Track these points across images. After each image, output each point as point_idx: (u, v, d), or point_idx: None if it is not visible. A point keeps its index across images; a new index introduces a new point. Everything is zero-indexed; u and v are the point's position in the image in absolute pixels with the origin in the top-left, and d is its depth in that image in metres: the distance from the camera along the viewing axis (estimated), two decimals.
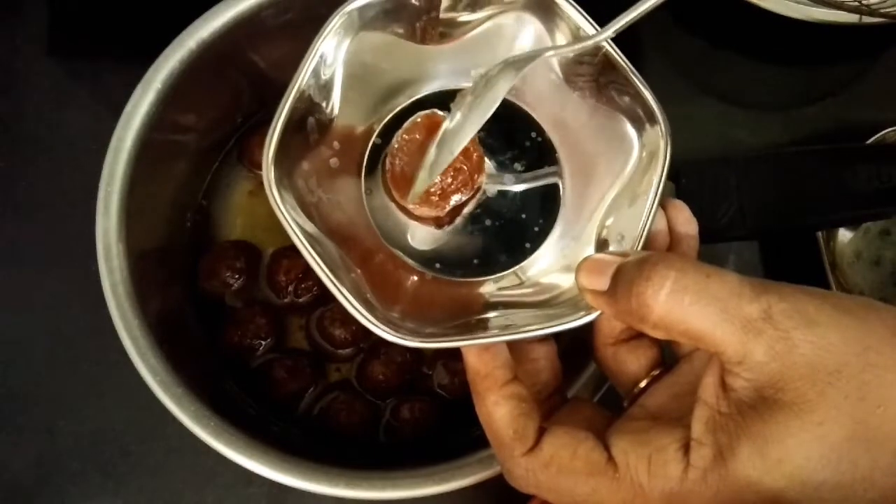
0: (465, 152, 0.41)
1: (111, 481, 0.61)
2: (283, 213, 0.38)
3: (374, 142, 0.44)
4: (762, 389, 0.30)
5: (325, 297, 0.58)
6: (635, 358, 0.40)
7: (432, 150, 0.40)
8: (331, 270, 0.37)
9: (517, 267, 0.43)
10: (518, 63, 0.38)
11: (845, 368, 0.29)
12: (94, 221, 0.49)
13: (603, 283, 0.34)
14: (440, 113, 0.42)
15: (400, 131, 0.42)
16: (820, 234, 0.63)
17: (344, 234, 0.42)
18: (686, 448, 0.32)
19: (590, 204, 0.43)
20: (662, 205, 0.41)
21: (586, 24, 0.41)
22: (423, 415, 0.57)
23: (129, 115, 0.51)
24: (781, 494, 0.30)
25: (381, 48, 0.43)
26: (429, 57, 0.44)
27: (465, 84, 0.44)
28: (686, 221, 0.42)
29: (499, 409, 0.36)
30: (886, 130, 0.63)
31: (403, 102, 0.44)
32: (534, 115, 0.44)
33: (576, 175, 0.44)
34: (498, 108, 0.39)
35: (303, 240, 0.38)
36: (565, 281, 0.42)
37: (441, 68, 0.45)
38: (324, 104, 0.42)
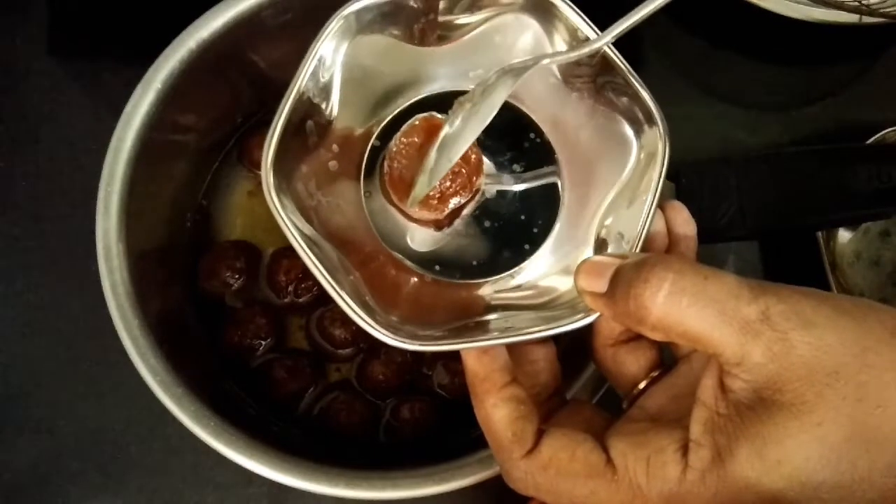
0: (464, 155, 0.41)
1: (111, 481, 0.61)
2: (281, 217, 0.38)
3: (372, 144, 0.44)
4: (760, 391, 0.30)
5: (325, 297, 0.57)
6: (634, 359, 0.40)
7: (432, 155, 0.40)
8: (329, 273, 0.37)
9: (516, 268, 0.43)
10: (516, 70, 0.38)
11: (843, 369, 0.30)
12: (94, 221, 0.49)
13: (601, 286, 0.34)
14: (438, 116, 0.42)
15: (398, 134, 0.42)
16: (820, 234, 0.62)
17: (343, 237, 0.42)
18: (685, 449, 0.32)
19: (589, 205, 0.43)
20: (661, 206, 0.42)
21: (584, 26, 0.41)
22: (423, 415, 0.57)
23: (129, 115, 0.50)
24: (780, 495, 0.30)
25: (379, 51, 0.43)
26: (427, 59, 0.44)
27: (464, 86, 0.44)
28: (684, 222, 0.42)
29: (497, 412, 0.36)
30: (886, 130, 0.63)
31: (402, 105, 0.44)
32: (532, 116, 0.44)
33: (575, 176, 0.44)
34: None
35: (301, 243, 0.38)
36: (564, 283, 0.42)
37: (439, 70, 0.45)
38: (323, 106, 0.42)
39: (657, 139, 0.41)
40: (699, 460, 0.31)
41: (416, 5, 0.41)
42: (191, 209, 0.61)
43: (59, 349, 0.63)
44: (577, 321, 0.38)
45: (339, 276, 0.38)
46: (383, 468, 0.49)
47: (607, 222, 0.42)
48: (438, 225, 0.43)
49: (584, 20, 0.41)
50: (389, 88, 0.44)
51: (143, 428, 0.62)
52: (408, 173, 0.41)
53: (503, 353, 0.38)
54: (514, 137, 0.44)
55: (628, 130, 0.43)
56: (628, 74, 0.41)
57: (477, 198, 0.43)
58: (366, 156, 0.43)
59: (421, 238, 0.43)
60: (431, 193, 0.41)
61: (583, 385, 0.50)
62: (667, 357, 0.41)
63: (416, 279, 0.43)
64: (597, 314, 0.37)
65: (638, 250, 0.39)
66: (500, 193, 0.44)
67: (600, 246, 0.42)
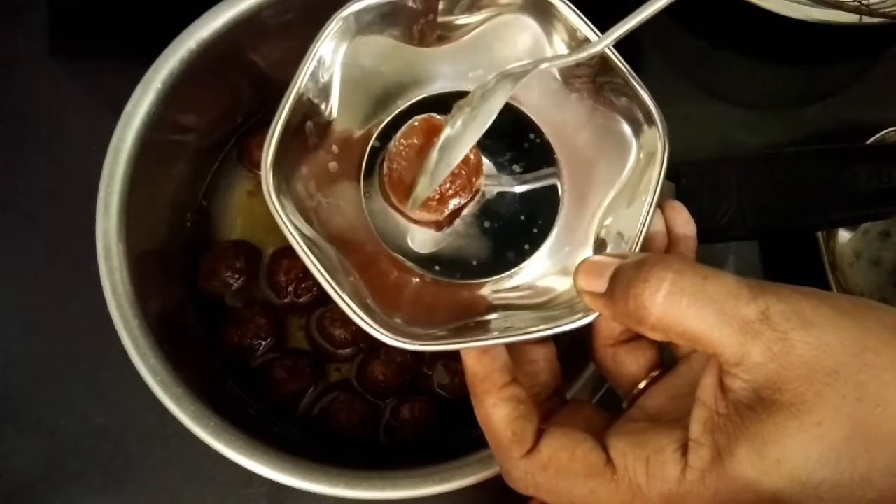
0: (463, 156, 0.41)
1: (111, 481, 0.61)
2: (281, 217, 0.38)
3: (372, 145, 0.44)
4: (760, 390, 0.30)
5: (325, 297, 0.57)
6: (634, 359, 0.40)
7: (433, 156, 0.40)
8: (329, 274, 0.38)
9: (516, 268, 0.43)
10: (515, 75, 0.38)
11: (843, 369, 0.30)
12: (94, 221, 0.49)
13: (601, 286, 0.34)
14: (437, 117, 0.42)
15: (398, 135, 0.42)
16: (820, 234, 0.63)
17: (343, 238, 0.42)
18: (684, 449, 0.32)
19: (588, 205, 0.43)
20: (660, 206, 0.42)
21: (584, 27, 0.41)
22: (423, 415, 0.57)
23: (129, 115, 0.51)
24: (780, 494, 0.30)
25: (379, 51, 0.43)
26: (427, 60, 0.44)
27: (464, 86, 0.44)
28: (684, 222, 0.43)
29: (497, 412, 0.36)
30: (886, 130, 0.63)
31: (402, 105, 0.44)
32: (532, 116, 0.44)
33: (574, 176, 0.44)
34: None
35: (301, 244, 0.38)
36: (563, 283, 0.42)
37: (439, 71, 0.44)
38: (322, 107, 0.42)
39: (656, 139, 0.41)
40: (699, 460, 0.31)
41: (415, 6, 0.41)
42: (191, 209, 0.61)
43: (59, 349, 0.63)
44: (576, 321, 0.38)
45: (338, 276, 0.38)
46: (383, 468, 0.49)
47: (607, 222, 0.42)
48: (438, 225, 0.43)
49: (584, 21, 0.41)
50: (389, 89, 0.44)
51: (143, 428, 0.62)
52: (408, 174, 0.41)
53: (503, 353, 0.38)
54: (514, 138, 0.44)
55: (628, 130, 0.43)
56: (628, 75, 0.41)
57: (477, 198, 0.43)
58: (365, 156, 0.43)
59: (421, 238, 0.43)
60: (431, 195, 0.41)
61: (583, 385, 0.50)
62: (667, 357, 0.41)
63: (416, 279, 0.43)
64: (596, 314, 0.37)
65: (637, 250, 0.39)
66: (500, 194, 0.44)
67: (600, 246, 0.42)
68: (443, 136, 0.39)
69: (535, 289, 0.43)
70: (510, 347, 0.39)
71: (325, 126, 0.43)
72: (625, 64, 0.41)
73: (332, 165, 0.43)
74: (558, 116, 0.44)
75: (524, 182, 0.44)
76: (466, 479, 0.48)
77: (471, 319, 0.42)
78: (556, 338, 0.40)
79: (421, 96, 0.44)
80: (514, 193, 0.44)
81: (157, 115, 0.51)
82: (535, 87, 0.44)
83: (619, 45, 0.39)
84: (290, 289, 0.59)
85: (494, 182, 0.44)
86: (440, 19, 0.42)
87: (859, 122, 0.69)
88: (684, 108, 0.70)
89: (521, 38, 0.43)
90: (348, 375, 0.60)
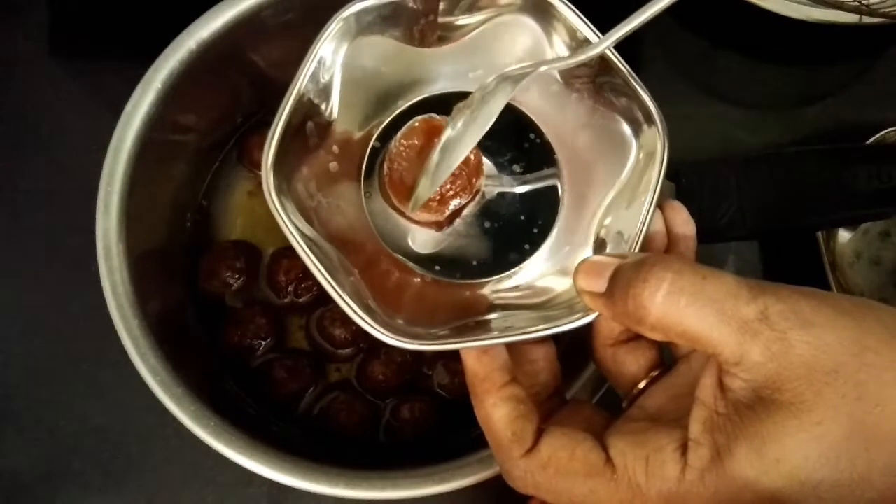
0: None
1: (111, 481, 0.61)
2: (282, 217, 0.38)
3: (373, 145, 0.44)
4: (759, 390, 0.30)
5: (325, 297, 0.57)
6: (634, 359, 0.40)
7: (435, 157, 0.40)
8: (330, 274, 0.38)
9: (516, 268, 0.43)
10: (515, 77, 0.38)
11: (842, 368, 0.30)
12: (94, 221, 0.49)
13: (601, 286, 0.34)
14: (438, 117, 0.42)
15: (398, 136, 0.42)
16: (820, 234, 0.63)
17: (343, 238, 0.42)
18: (684, 448, 0.32)
19: (588, 205, 0.43)
20: (660, 206, 0.42)
21: (584, 27, 0.41)
22: (423, 415, 0.57)
23: (129, 115, 0.51)
24: (779, 494, 0.30)
25: (379, 52, 0.43)
26: (427, 60, 0.44)
27: (464, 87, 0.44)
28: (684, 222, 0.43)
29: (497, 411, 0.36)
30: (886, 130, 0.63)
31: (402, 106, 0.44)
32: (532, 116, 0.44)
33: (574, 176, 0.44)
34: None
35: (302, 244, 0.38)
36: (563, 283, 0.42)
37: (439, 71, 0.45)
38: (323, 107, 0.42)
39: (656, 139, 0.41)
40: (698, 459, 0.31)
41: (415, 7, 0.41)
42: (191, 209, 0.61)
43: (59, 349, 0.63)
44: (576, 321, 0.38)
45: (339, 276, 0.38)
46: (383, 468, 0.49)
47: (606, 222, 0.42)
48: (439, 226, 0.43)
49: (584, 21, 0.41)
50: (389, 89, 0.44)
51: (143, 428, 0.62)
52: (408, 175, 0.41)
53: (503, 352, 0.38)
54: (514, 138, 0.44)
55: (627, 130, 0.43)
56: (628, 75, 0.41)
57: (477, 199, 0.43)
58: (366, 157, 0.43)
59: (421, 238, 0.43)
60: (431, 196, 0.41)
61: (583, 385, 0.50)
62: (666, 357, 0.41)
63: (416, 279, 0.43)
64: (596, 314, 0.37)
65: (637, 250, 0.39)
66: (500, 194, 0.44)
67: (599, 246, 0.42)
68: (444, 138, 0.39)
69: (534, 288, 0.43)
70: (510, 347, 0.39)
71: (326, 126, 0.43)
72: (625, 64, 0.41)
73: (333, 166, 0.43)
74: (558, 117, 0.45)
75: (524, 182, 0.44)
76: (466, 479, 0.48)
77: (471, 319, 0.42)
78: (555, 338, 0.40)
79: (421, 97, 0.44)
80: (515, 194, 0.44)
81: (157, 115, 0.51)
82: (535, 88, 0.44)
83: (620, 46, 0.39)
84: (290, 289, 0.59)
85: (495, 182, 0.44)
86: (440, 20, 0.42)
87: (859, 122, 0.69)
88: (684, 108, 0.70)
89: (521, 38, 0.43)
90: (348, 375, 0.60)
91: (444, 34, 0.43)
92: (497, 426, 0.36)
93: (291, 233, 0.38)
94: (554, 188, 0.44)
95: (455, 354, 0.39)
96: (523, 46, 0.44)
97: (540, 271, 0.43)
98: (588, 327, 0.39)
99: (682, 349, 0.40)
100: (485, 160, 0.43)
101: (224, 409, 0.49)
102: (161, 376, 0.48)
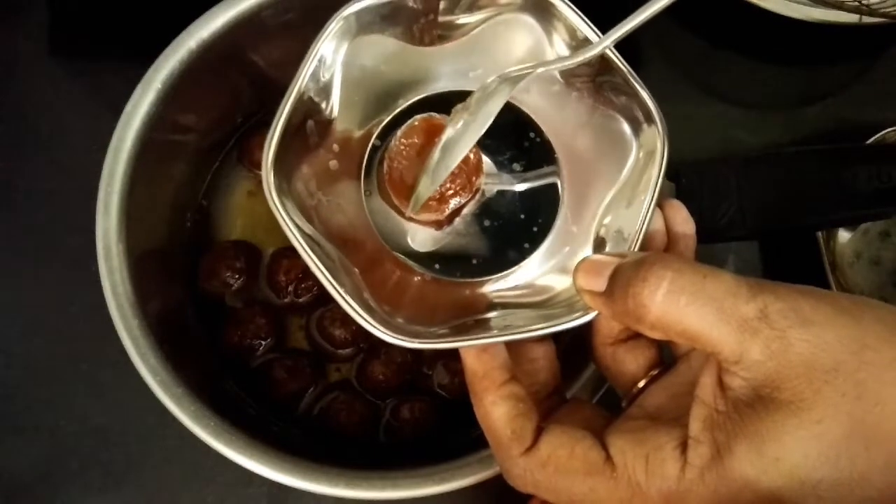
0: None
1: (111, 481, 0.61)
2: (282, 216, 0.38)
3: (373, 144, 0.44)
4: (759, 388, 0.30)
5: (325, 297, 0.57)
6: (633, 358, 0.40)
7: (435, 156, 0.40)
8: (330, 273, 0.38)
9: (516, 267, 0.43)
10: (514, 78, 0.38)
11: (842, 367, 0.30)
12: (94, 221, 0.49)
13: (600, 284, 0.34)
14: (437, 116, 0.42)
15: (398, 134, 0.42)
16: (820, 234, 0.63)
17: (343, 237, 0.42)
18: (683, 447, 0.32)
19: (588, 204, 0.43)
20: (660, 205, 0.42)
21: (584, 26, 0.41)
22: (423, 415, 0.57)
23: (129, 115, 0.51)
24: (779, 492, 0.30)
25: (379, 51, 0.43)
26: (427, 59, 0.44)
27: (464, 86, 0.44)
28: (683, 221, 0.43)
29: (496, 410, 0.36)
30: (886, 130, 0.63)
31: (402, 105, 0.44)
32: (532, 115, 0.44)
33: (574, 175, 0.44)
34: None
35: (302, 242, 0.38)
36: (563, 281, 0.42)
37: (439, 70, 0.45)
38: (323, 106, 0.42)
39: (656, 138, 0.41)
40: (698, 457, 0.31)
41: (415, 6, 0.41)
42: (191, 209, 0.61)
43: (59, 349, 0.63)
44: (575, 319, 0.38)
45: (339, 275, 0.39)
46: (383, 468, 0.48)
47: (606, 221, 0.43)
48: (438, 224, 0.43)
49: (584, 20, 0.41)
50: (389, 88, 0.44)
51: (143, 428, 0.62)
52: (408, 174, 0.42)
53: (502, 351, 0.38)
54: (514, 137, 0.44)
55: (627, 129, 0.43)
56: (627, 74, 0.41)
57: (477, 197, 0.43)
58: (366, 155, 0.43)
59: (421, 237, 0.43)
60: (431, 195, 0.41)
61: (583, 385, 0.49)
62: (666, 356, 0.41)
63: (416, 278, 0.43)
64: (595, 313, 0.37)
65: (637, 249, 0.40)
66: (500, 192, 0.44)
67: (599, 245, 0.42)
68: (444, 137, 0.39)
69: (534, 287, 0.43)
70: (509, 346, 0.39)
71: (326, 125, 0.43)
72: (625, 63, 0.41)
73: (333, 164, 0.43)
74: (558, 115, 0.45)
75: (524, 181, 0.44)
76: (466, 479, 0.48)
77: (470, 318, 0.42)
78: (555, 336, 0.40)
79: (421, 95, 0.44)
80: (514, 192, 0.44)
81: (157, 115, 0.51)
82: (536, 87, 0.44)
83: (620, 45, 0.39)
84: (290, 289, 0.59)
85: (494, 181, 0.44)
86: (440, 19, 0.43)
87: (859, 122, 0.69)
88: (684, 108, 0.70)
89: (521, 37, 0.43)
90: (348, 375, 0.60)
91: (445, 33, 0.43)
92: (496, 424, 0.36)
93: (292, 231, 0.38)
94: (554, 187, 0.44)
95: (455, 354, 0.39)
96: (523, 45, 0.44)
97: (539, 270, 0.43)
98: (587, 326, 0.39)
99: (682, 348, 0.40)
100: (485, 159, 0.43)
101: (224, 409, 0.49)
102: (161, 376, 0.48)
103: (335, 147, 0.43)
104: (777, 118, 0.72)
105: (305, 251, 0.38)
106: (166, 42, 0.52)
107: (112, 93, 0.51)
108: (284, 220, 0.38)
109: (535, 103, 0.45)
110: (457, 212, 0.43)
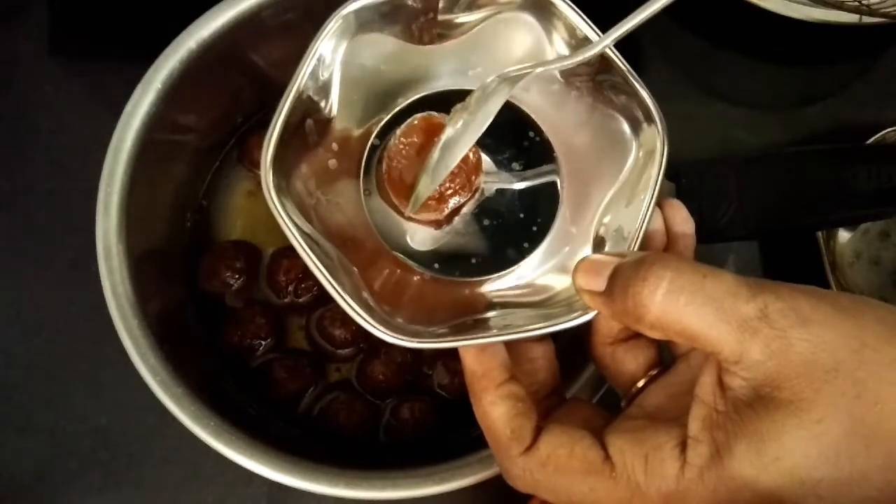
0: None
1: (111, 481, 0.61)
2: (281, 215, 0.38)
3: (372, 143, 0.44)
4: (759, 388, 0.30)
5: (325, 297, 0.57)
6: (633, 358, 0.40)
7: (435, 154, 0.40)
8: (329, 272, 0.38)
9: (516, 266, 0.43)
10: (513, 78, 0.38)
11: (842, 366, 0.30)
12: (94, 221, 0.49)
13: (600, 284, 0.34)
14: (437, 115, 0.42)
15: (397, 133, 0.42)
16: (820, 234, 0.63)
17: (343, 236, 0.42)
18: (683, 446, 0.32)
19: (587, 203, 0.43)
20: (659, 204, 0.42)
21: (583, 25, 0.41)
22: (423, 415, 0.57)
23: (129, 115, 0.51)
24: (778, 492, 0.30)
25: (378, 49, 0.43)
26: (426, 57, 0.44)
27: (464, 84, 0.44)
28: (683, 221, 0.43)
29: (496, 409, 0.36)
30: (886, 130, 0.63)
31: (401, 103, 0.44)
32: (532, 114, 0.44)
33: (574, 174, 0.44)
34: None
35: (301, 242, 0.38)
36: (562, 281, 0.42)
37: (439, 69, 0.45)
38: (322, 105, 0.42)
39: (656, 137, 0.41)
40: (697, 457, 0.31)
41: (415, 4, 0.41)
42: (191, 209, 0.61)
43: (59, 349, 0.63)
44: (574, 319, 0.38)
45: (338, 274, 0.39)
46: (383, 468, 0.48)
47: (606, 220, 0.43)
48: (438, 223, 0.43)
49: (584, 19, 0.41)
50: (389, 87, 0.44)
51: (143, 428, 0.62)
52: (407, 173, 0.42)
53: (501, 350, 0.38)
54: (514, 136, 0.44)
55: (627, 129, 0.43)
56: (627, 73, 0.41)
57: (476, 196, 0.43)
58: (365, 154, 0.43)
59: (421, 236, 0.43)
60: (430, 194, 0.41)
61: (583, 385, 0.49)
62: (665, 356, 0.41)
63: (415, 277, 0.43)
64: (595, 312, 0.37)
65: (636, 248, 0.40)
66: (500, 192, 0.44)
67: (598, 244, 0.42)
68: (444, 136, 0.39)
69: (533, 286, 0.43)
70: (509, 345, 0.39)
71: (325, 124, 0.43)
72: (624, 63, 0.41)
73: (332, 163, 0.43)
74: (558, 114, 0.45)
75: (524, 180, 0.44)
76: (466, 479, 0.48)
77: (470, 317, 0.42)
78: (554, 336, 0.40)
79: (421, 94, 0.44)
80: (514, 191, 0.44)
81: (157, 115, 0.51)
82: (535, 86, 0.44)
83: (619, 45, 0.39)
84: (290, 289, 0.59)
85: (494, 180, 0.44)
86: (440, 17, 0.43)
87: (859, 122, 0.69)
88: (684, 108, 0.70)
89: (520, 36, 0.43)
90: (348, 375, 0.60)
91: (444, 32, 0.43)
92: (495, 424, 0.36)
93: (291, 230, 0.38)
94: (553, 186, 0.44)
95: (455, 354, 0.39)
96: (523, 44, 0.44)
97: (539, 269, 0.43)
98: (587, 326, 0.39)
99: (681, 348, 0.40)
100: (484, 158, 0.43)
101: (224, 409, 0.49)
102: (161, 376, 0.48)
103: (334, 146, 0.43)
104: (777, 118, 0.72)
105: (304, 250, 0.38)
106: (166, 42, 0.52)
107: (112, 93, 0.51)
108: (283, 219, 0.38)
109: (534, 102, 0.45)
110: (456, 211, 0.43)
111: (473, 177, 0.42)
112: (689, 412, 0.33)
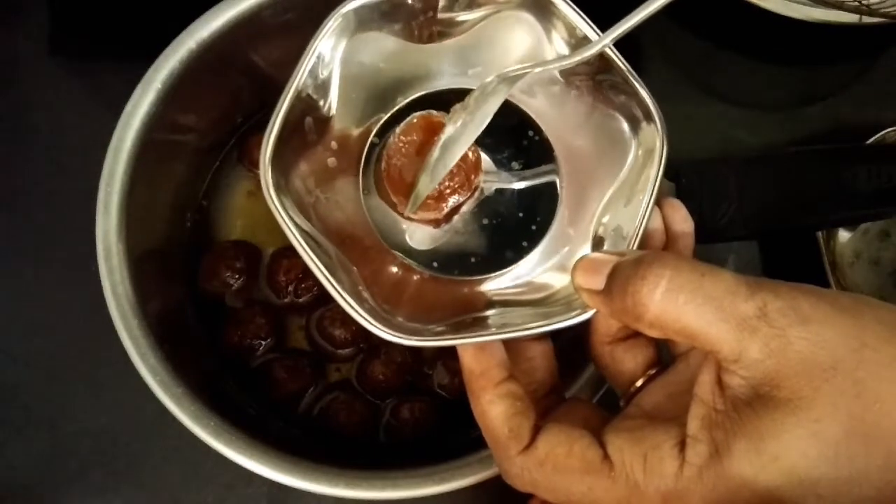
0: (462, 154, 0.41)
1: (111, 481, 0.61)
2: (280, 214, 0.38)
3: (371, 141, 0.44)
4: (758, 387, 0.30)
5: (325, 296, 0.57)
6: (632, 357, 0.40)
7: (435, 153, 0.40)
8: (328, 270, 0.38)
9: (515, 265, 0.43)
10: (513, 77, 0.38)
11: (841, 365, 0.29)
12: (94, 221, 0.49)
13: (599, 283, 0.34)
14: (436, 114, 0.42)
15: (396, 131, 0.42)
16: (820, 234, 0.63)
17: (342, 234, 0.42)
18: (682, 445, 0.32)
19: (587, 202, 0.43)
20: (658, 203, 0.42)
21: (583, 24, 0.41)
22: (423, 415, 0.57)
23: (129, 115, 0.51)
24: (777, 491, 0.30)
25: (378, 48, 0.43)
26: (426, 56, 0.44)
27: (463, 83, 0.44)
28: (682, 220, 0.43)
29: (494, 408, 0.36)
30: (886, 130, 0.63)
31: (401, 102, 0.44)
32: (531, 113, 0.44)
33: (573, 173, 0.44)
34: None
35: (300, 240, 0.38)
36: (561, 279, 0.42)
37: (438, 67, 0.45)
38: (321, 103, 0.42)
39: (655, 136, 0.41)
40: (696, 456, 0.31)
41: (414, 3, 0.41)
42: (191, 209, 0.61)
43: (59, 349, 0.63)
44: (573, 318, 0.38)
45: (338, 273, 0.39)
46: (383, 468, 0.48)
47: (605, 219, 0.42)
48: (437, 222, 0.43)
49: (583, 19, 0.41)
50: (388, 85, 0.44)
51: (143, 428, 0.62)
52: (407, 172, 0.42)
53: (500, 349, 0.38)
54: (513, 135, 0.44)
55: (626, 128, 0.43)
56: (627, 72, 0.41)
57: (475, 195, 0.43)
58: (364, 153, 0.43)
59: (420, 235, 0.43)
60: (429, 193, 0.41)
61: (583, 385, 0.49)
62: (664, 355, 0.41)
63: (414, 276, 0.43)
64: (593, 311, 0.37)
65: (635, 247, 0.40)
66: (499, 191, 0.44)
67: (598, 243, 0.42)
68: (443, 135, 0.39)
69: (532, 285, 0.43)
70: (507, 344, 0.39)
71: (324, 122, 0.43)
72: (624, 62, 0.41)
73: (331, 162, 0.43)
74: (557, 114, 0.45)
75: (523, 179, 0.44)
76: (466, 479, 0.48)
77: (468, 316, 0.42)
78: (554, 335, 0.40)
79: (420, 93, 0.44)
80: (513, 190, 0.44)
81: (157, 115, 0.51)
82: (535, 85, 0.44)
83: (619, 45, 0.39)
84: (290, 289, 0.59)
85: (493, 179, 0.44)
86: (440, 16, 0.42)
87: (859, 122, 0.69)
88: (684, 108, 0.70)
89: (520, 34, 0.43)
90: (348, 375, 0.60)
91: (444, 30, 0.43)
92: (494, 423, 0.36)
93: (290, 229, 0.38)
94: (552, 185, 0.44)
95: (455, 354, 0.39)
96: (522, 43, 0.44)
97: (538, 268, 0.43)
98: (586, 324, 0.39)
99: (680, 347, 0.40)
100: (483, 157, 0.43)
101: (224, 409, 0.49)
102: (161, 376, 0.48)
103: (333, 144, 0.43)
104: (777, 118, 0.72)
105: (303, 249, 0.38)
106: (166, 42, 0.52)
107: (112, 93, 0.51)
108: (282, 217, 0.38)
109: (534, 102, 0.45)
110: (455, 210, 0.43)
111: (473, 176, 0.42)
112: (688, 411, 0.33)
